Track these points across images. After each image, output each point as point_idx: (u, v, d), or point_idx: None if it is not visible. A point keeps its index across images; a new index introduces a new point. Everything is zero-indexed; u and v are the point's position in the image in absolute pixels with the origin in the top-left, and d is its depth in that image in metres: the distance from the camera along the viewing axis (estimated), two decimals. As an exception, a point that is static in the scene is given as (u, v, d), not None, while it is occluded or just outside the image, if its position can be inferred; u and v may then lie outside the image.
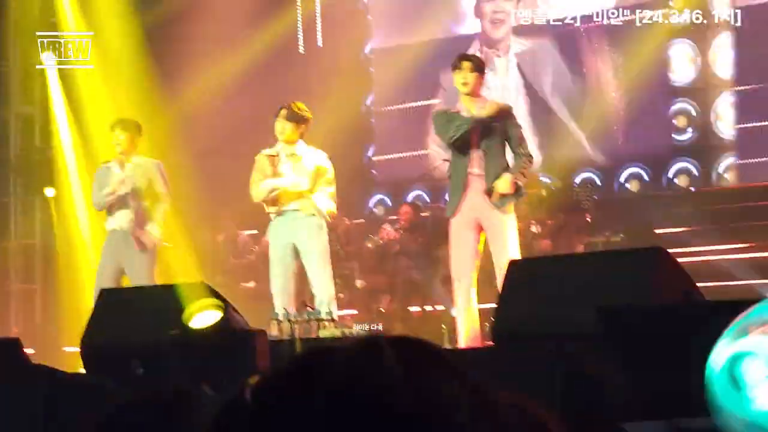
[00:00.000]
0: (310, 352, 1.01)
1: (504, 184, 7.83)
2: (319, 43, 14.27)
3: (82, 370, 6.20)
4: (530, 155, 8.28)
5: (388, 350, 0.96)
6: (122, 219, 9.75)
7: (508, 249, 7.68)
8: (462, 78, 8.19)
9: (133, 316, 5.81)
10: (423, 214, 12.61)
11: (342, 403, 0.92)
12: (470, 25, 14.08)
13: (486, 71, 8.48)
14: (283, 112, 8.74)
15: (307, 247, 8.59)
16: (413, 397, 0.93)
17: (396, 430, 0.92)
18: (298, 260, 8.64)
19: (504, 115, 8.19)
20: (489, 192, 7.89)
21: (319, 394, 0.94)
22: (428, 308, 11.55)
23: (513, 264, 5.09)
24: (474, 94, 8.19)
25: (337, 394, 0.93)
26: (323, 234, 8.64)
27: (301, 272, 8.64)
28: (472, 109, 8.12)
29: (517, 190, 7.95)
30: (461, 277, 7.89)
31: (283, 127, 8.72)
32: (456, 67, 8.24)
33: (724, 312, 4.36)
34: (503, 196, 7.85)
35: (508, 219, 7.93)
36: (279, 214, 8.71)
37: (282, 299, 8.43)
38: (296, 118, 8.71)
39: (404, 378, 0.94)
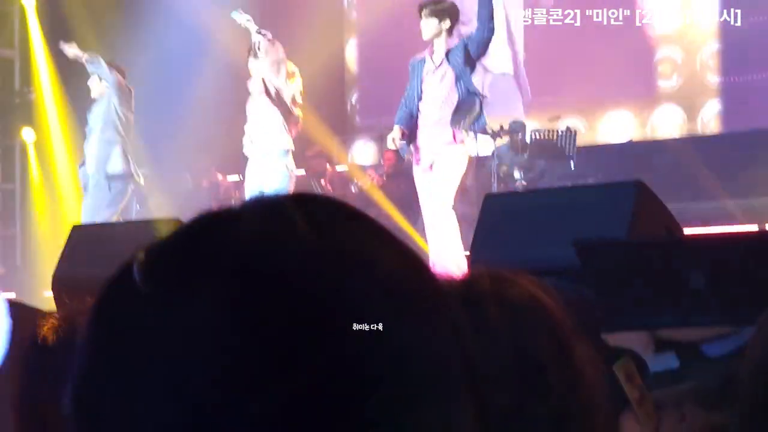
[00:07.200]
0: (206, 220, 0.86)
1: None
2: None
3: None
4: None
5: (296, 213, 0.84)
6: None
7: None
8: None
9: (105, 251, 5.70)
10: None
11: (252, 279, 0.80)
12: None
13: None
14: None
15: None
16: (332, 260, 0.82)
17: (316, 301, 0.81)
18: None
19: None
20: None
21: (225, 274, 0.81)
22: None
23: (488, 198, 5.00)
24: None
25: (245, 272, 0.81)
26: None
27: None
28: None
29: None
30: None
31: None
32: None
33: (704, 246, 4.29)
34: None
35: None
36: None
37: None
38: None
39: (319, 242, 0.83)
